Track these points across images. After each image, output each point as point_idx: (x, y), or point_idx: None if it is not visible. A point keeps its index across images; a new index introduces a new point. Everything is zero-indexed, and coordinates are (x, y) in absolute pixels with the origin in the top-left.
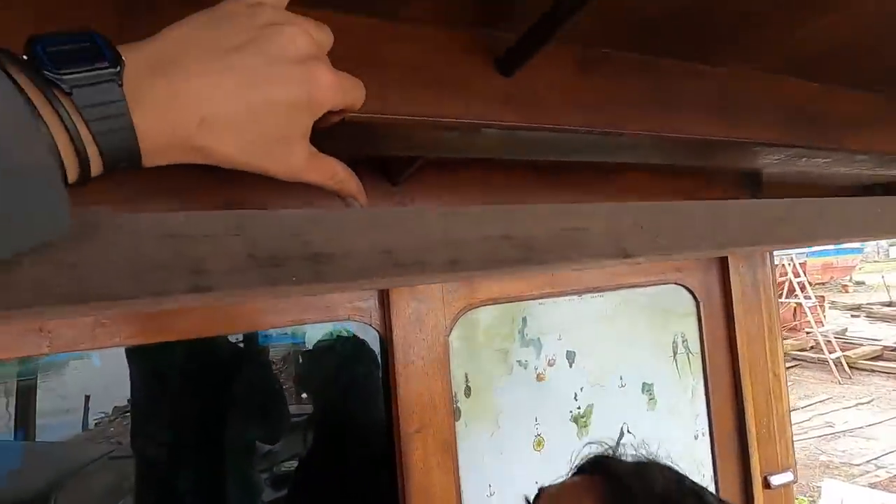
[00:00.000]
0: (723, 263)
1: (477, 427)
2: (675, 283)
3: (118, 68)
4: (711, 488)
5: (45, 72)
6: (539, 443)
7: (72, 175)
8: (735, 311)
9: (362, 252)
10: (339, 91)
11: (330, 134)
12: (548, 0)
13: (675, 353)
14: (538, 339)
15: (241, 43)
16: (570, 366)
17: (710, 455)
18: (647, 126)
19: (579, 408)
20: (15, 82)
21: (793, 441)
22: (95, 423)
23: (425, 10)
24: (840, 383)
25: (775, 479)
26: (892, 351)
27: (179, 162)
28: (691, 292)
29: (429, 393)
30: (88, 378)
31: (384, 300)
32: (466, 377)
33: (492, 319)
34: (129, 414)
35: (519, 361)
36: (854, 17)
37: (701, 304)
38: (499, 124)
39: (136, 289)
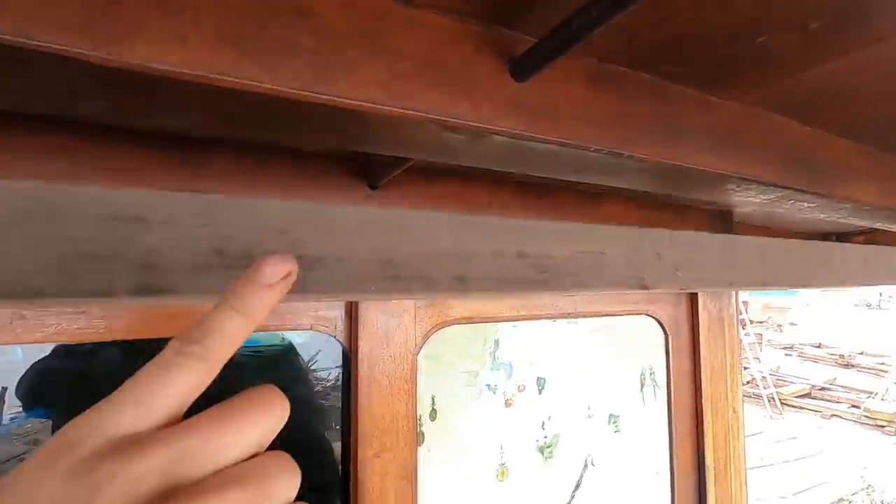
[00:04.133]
0: (692, 297)
1: (440, 453)
2: (647, 315)
3: None
4: None
5: None
6: (503, 472)
7: None
8: (701, 346)
9: (357, 259)
10: None
11: (314, 124)
12: (569, 5)
13: (642, 385)
14: (510, 363)
15: None
16: (540, 392)
17: (669, 491)
18: (652, 151)
19: (545, 437)
20: None
21: (746, 479)
22: (11, 418)
23: None
24: (772, 418)
25: None
26: (819, 390)
27: None
28: (661, 325)
29: (392, 414)
30: (9, 369)
31: (351, 311)
32: (433, 399)
33: (463, 339)
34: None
35: (488, 385)
36: (865, 63)
37: (670, 337)
38: (507, 132)
39: (64, 285)
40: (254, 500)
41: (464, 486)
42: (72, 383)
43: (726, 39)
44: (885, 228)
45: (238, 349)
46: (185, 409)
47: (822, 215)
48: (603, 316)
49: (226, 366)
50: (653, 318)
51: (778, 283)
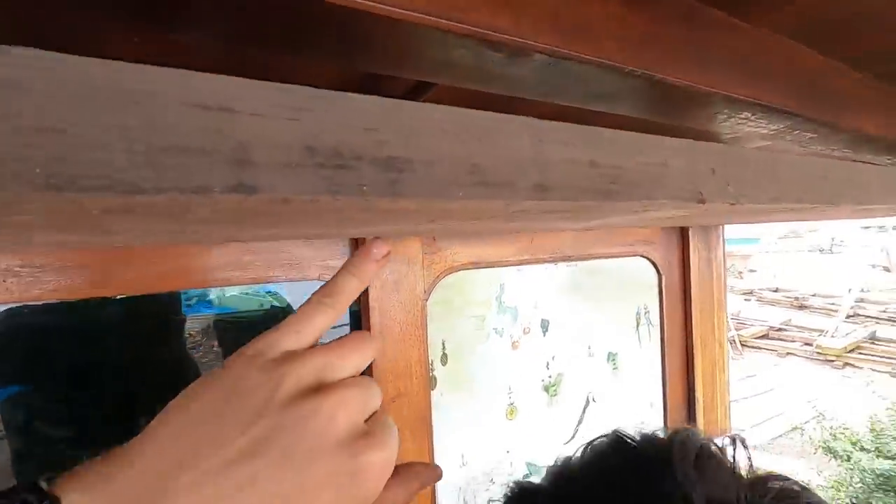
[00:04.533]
0: (683, 238)
1: (452, 396)
2: (642, 256)
3: None
4: None
5: None
6: (512, 412)
7: None
8: (691, 285)
9: (446, 162)
10: (385, 470)
11: (318, 35)
12: None
13: (638, 324)
14: (515, 306)
15: (254, 440)
16: (544, 334)
17: (662, 421)
18: (684, 75)
19: (550, 376)
20: None
21: (729, 409)
22: None
23: None
24: (733, 358)
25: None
26: (776, 331)
27: None
28: (655, 266)
29: (405, 360)
30: None
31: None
32: (443, 344)
33: (470, 285)
34: None
35: (495, 329)
36: None
37: (663, 277)
38: (547, 48)
39: (158, 180)
40: (363, 397)
41: (476, 426)
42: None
43: None
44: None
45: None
46: (319, 338)
47: (821, 147)
48: (601, 258)
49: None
50: (647, 259)
51: (812, 201)
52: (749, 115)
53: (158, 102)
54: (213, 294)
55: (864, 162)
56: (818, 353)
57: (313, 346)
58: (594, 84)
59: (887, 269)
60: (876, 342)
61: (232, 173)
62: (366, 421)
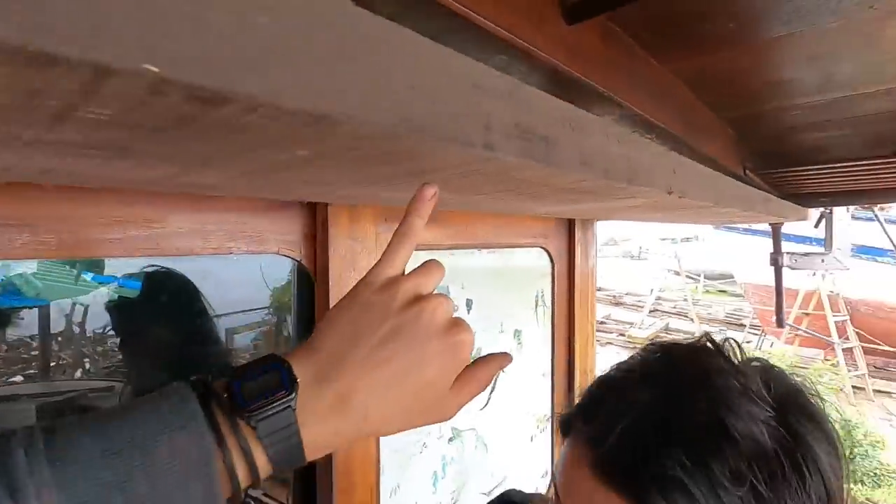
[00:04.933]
0: (570, 231)
1: None
2: (541, 247)
3: (293, 395)
4: (549, 415)
5: (238, 411)
6: None
7: (244, 483)
8: (576, 272)
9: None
10: (473, 344)
11: None
12: None
13: (536, 305)
14: (447, 286)
15: (386, 333)
16: (468, 312)
17: (550, 389)
18: (591, 77)
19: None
20: (217, 424)
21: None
22: None
23: None
24: None
25: None
26: (599, 324)
27: (339, 448)
28: (550, 255)
29: None
30: None
31: (315, 235)
32: None
33: (413, 265)
34: None
35: None
36: (747, 59)
37: (555, 265)
38: (557, 64)
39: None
40: (447, 302)
41: None
42: None
43: (691, 18)
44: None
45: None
46: (406, 265)
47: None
48: (513, 247)
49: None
50: (544, 249)
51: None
52: (644, 131)
53: (442, 73)
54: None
55: None
56: (629, 341)
57: (405, 273)
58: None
59: (677, 273)
60: (669, 332)
61: (484, 135)
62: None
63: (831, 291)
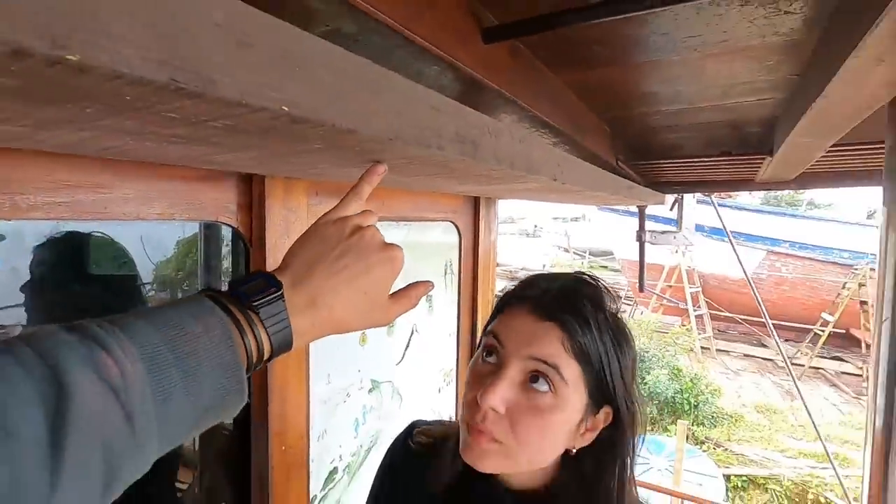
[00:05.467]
0: (476, 208)
1: None
2: (450, 222)
3: (281, 290)
4: (454, 373)
5: (245, 302)
6: (364, 338)
7: (255, 357)
8: (479, 245)
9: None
10: (403, 259)
11: None
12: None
13: (445, 274)
14: None
15: (340, 251)
16: None
17: (455, 347)
18: (531, 104)
19: None
20: (230, 312)
21: None
22: None
23: None
24: None
25: None
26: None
27: (316, 337)
28: (458, 229)
29: None
30: None
31: (251, 206)
32: None
33: None
34: None
35: None
36: (621, 75)
37: (462, 238)
38: (474, 75)
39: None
40: (379, 232)
41: (337, 352)
42: None
43: (580, 43)
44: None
45: None
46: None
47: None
48: (427, 221)
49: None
50: (453, 223)
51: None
52: (528, 125)
53: (414, 102)
54: None
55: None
56: None
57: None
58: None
59: (566, 250)
60: None
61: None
62: None
63: (689, 267)
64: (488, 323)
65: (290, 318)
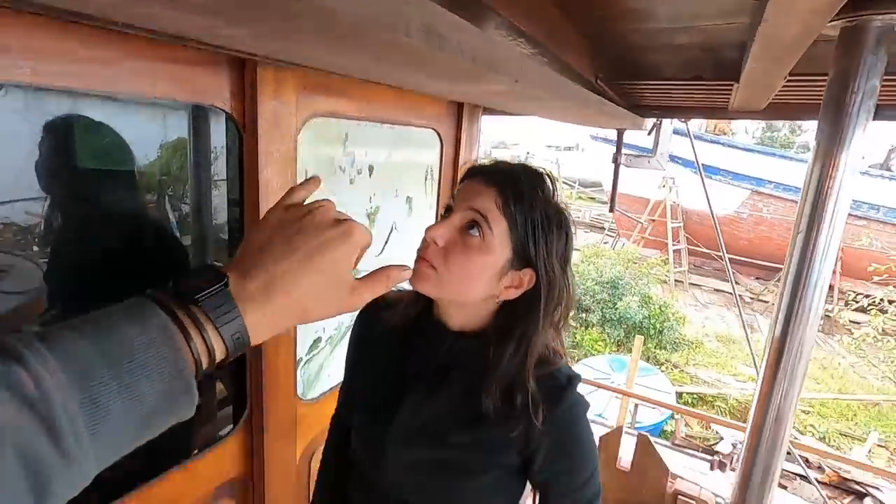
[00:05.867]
0: (458, 120)
1: None
2: (433, 129)
3: (225, 281)
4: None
5: (183, 298)
6: None
7: (205, 365)
8: (461, 153)
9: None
10: (367, 233)
11: None
12: None
13: (426, 179)
14: (353, 152)
15: (292, 233)
16: (370, 176)
17: None
18: None
19: (372, 207)
20: (171, 311)
21: None
22: None
23: None
24: None
25: None
26: None
27: (278, 329)
28: (440, 137)
29: (279, 181)
30: None
31: (244, 94)
32: (306, 172)
33: (326, 130)
34: None
35: (340, 167)
36: None
37: (444, 146)
38: None
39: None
40: (330, 207)
41: None
42: None
43: None
44: None
45: None
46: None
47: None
48: (411, 126)
49: None
50: (436, 131)
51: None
52: (505, 32)
53: None
54: None
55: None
56: None
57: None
58: None
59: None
60: None
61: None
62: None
63: (674, 202)
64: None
65: (242, 309)
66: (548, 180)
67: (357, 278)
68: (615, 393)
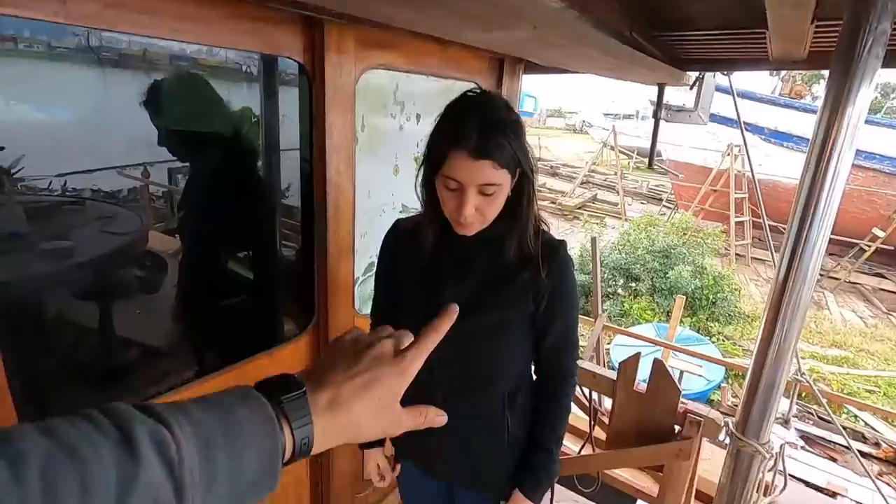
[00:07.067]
0: (500, 71)
1: (365, 153)
2: (474, 83)
3: (304, 389)
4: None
5: (275, 399)
6: (396, 170)
7: (287, 451)
8: None
9: None
10: (415, 365)
11: None
12: None
13: None
14: (403, 101)
15: (356, 362)
16: (417, 123)
17: None
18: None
19: (419, 152)
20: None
21: None
22: None
23: None
24: None
25: None
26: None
27: (335, 442)
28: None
29: (343, 121)
30: None
31: (313, 47)
32: (363, 118)
33: (379, 80)
34: None
35: (391, 114)
36: None
37: None
38: None
39: None
40: (390, 342)
41: (377, 174)
42: None
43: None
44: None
45: None
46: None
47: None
48: (453, 79)
49: None
50: (476, 84)
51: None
52: None
53: None
54: None
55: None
56: (559, 209)
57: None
58: None
59: (612, 148)
60: (596, 201)
61: None
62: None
63: (738, 171)
64: (435, 165)
65: (313, 416)
66: (498, 101)
67: (405, 408)
68: (656, 346)
